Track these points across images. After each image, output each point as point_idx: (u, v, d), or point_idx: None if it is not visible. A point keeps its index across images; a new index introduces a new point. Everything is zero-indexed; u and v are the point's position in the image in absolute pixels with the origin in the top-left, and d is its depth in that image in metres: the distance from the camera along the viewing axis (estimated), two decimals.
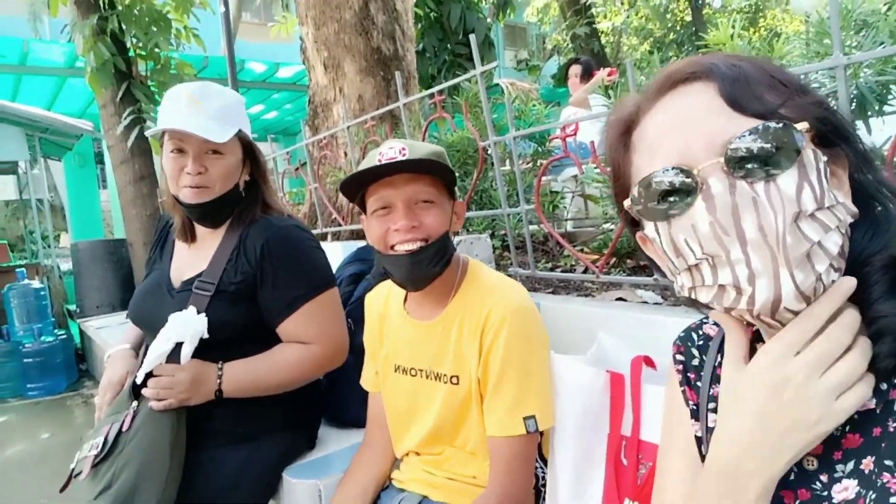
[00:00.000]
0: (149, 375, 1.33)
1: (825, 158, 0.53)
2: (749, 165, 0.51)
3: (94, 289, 5.43)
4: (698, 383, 0.72)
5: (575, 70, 4.40)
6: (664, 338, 1.33)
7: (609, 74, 3.72)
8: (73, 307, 6.04)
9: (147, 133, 1.56)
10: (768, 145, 0.50)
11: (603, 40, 11.02)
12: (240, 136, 1.43)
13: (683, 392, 0.74)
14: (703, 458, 0.70)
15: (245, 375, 1.37)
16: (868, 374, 0.51)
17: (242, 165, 1.46)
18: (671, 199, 0.55)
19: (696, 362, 0.73)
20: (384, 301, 1.34)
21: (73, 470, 1.36)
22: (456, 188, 1.23)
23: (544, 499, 1.25)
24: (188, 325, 1.32)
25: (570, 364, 1.15)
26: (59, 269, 6.60)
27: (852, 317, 0.52)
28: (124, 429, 1.34)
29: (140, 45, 4.95)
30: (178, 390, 1.30)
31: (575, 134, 1.53)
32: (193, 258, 1.47)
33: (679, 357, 0.75)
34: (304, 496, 1.42)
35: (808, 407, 0.50)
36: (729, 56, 0.58)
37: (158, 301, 1.43)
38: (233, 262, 1.40)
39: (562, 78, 4.53)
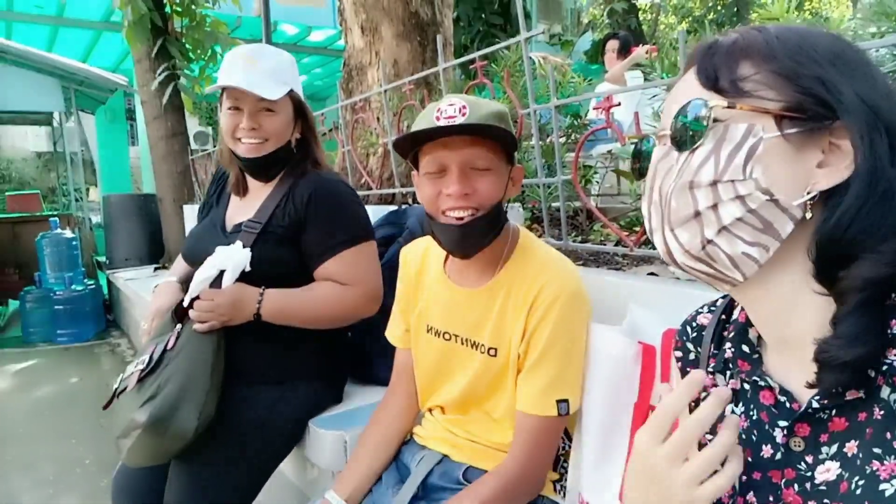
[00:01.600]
0: (193, 301, 1.41)
1: (770, 134, 0.53)
2: (682, 137, 0.57)
3: (124, 242, 5.55)
4: None
5: (612, 45, 4.31)
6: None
7: (650, 51, 3.64)
8: (102, 259, 6.18)
9: (206, 90, 1.62)
10: (688, 120, 0.56)
11: (640, 17, 10.75)
12: (291, 96, 1.50)
13: None
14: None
15: (284, 302, 1.44)
16: (735, 457, 0.54)
17: (294, 123, 1.53)
18: (641, 162, 0.66)
19: (692, 356, 0.74)
20: (421, 258, 1.32)
21: (116, 389, 1.44)
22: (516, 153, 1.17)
23: (564, 469, 1.26)
24: (232, 256, 1.40)
25: (605, 333, 1.16)
26: (90, 221, 6.74)
27: (710, 404, 0.54)
28: (169, 347, 1.42)
29: (176, 0, 4.95)
30: (219, 312, 1.39)
31: (618, 104, 1.51)
32: (246, 206, 1.55)
33: (677, 353, 0.76)
34: (330, 446, 1.47)
35: (671, 494, 0.55)
36: (739, 29, 0.59)
37: (211, 240, 1.50)
38: (281, 207, 1.48)
39: (596, 54, 4.45)
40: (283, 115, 1.49)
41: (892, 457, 0.50)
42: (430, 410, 1.34)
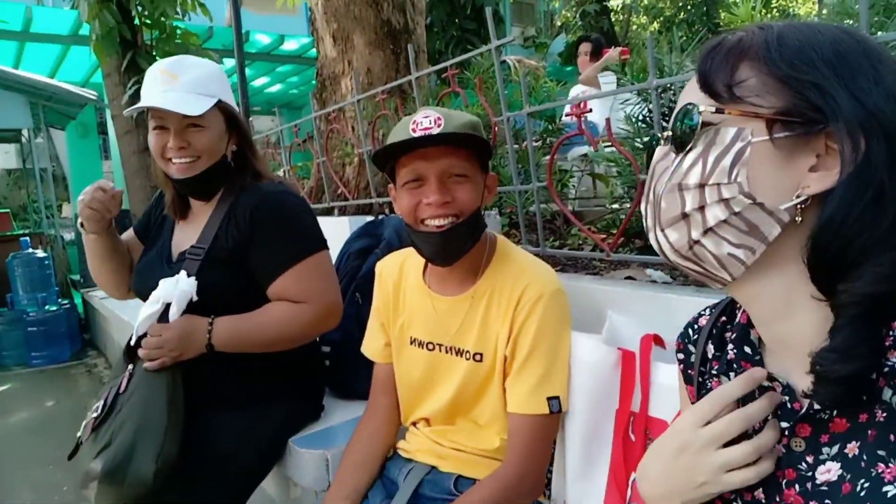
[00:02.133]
0: (141, 339, 1.35)
1: (759, 139, 0.54)
2: (679, 140, 0.59)
3: None
4: (695, 377, 0.73)
5: (585, 48, 4.35)
6: (673, 316, 1.34)
7: (622, 54, 3.68)
8: (76, 277, 6.06)
9: (125, 112, 1.57)
10: (678, 123, 0.59)
11: (612, 18, 10.87)
12: (221, 107, 1.42)
13: (686, 390, 0.76)
14: None
15: (236, 328, 1.38)
16: (770, 458, 0.58)
17: (228, 136, 1.46)
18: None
19: (692, 358, 0.75)
20: (399, 271, 1.32)
21: (79, 437, 1.39)
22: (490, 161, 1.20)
23: (549, 474, 1.26)
24: (176, 288, 1.34)
25: (585, 342, 1.16)
26: (62, 239, 6.61)
27: (761, 406, 0.58)
28: (121, 390, 1.37)
29: (145, 13, 4.88)
30: (169, 348, 1.33)
31: (589, 111, 1.52)
32: (190, 230, 1.49)
33: (679, 356, 0.77)
34: (312, 465, 1.44)
35: (696, 472, 0.60)
36: (747, 27, 0.58)
37: (157, 272, 1.44)
38: (223, 228, 1.41)
39: (569, 55, 4.48)
40: (214, 130, 1.41)
41: None
42: (413, 424, 1.33)
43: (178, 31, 5.06)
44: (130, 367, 1.40)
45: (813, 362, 0.52)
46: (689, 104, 0.58)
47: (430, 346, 1.24)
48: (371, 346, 1.39)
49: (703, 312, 0.76)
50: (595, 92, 3.37)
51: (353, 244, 1.93)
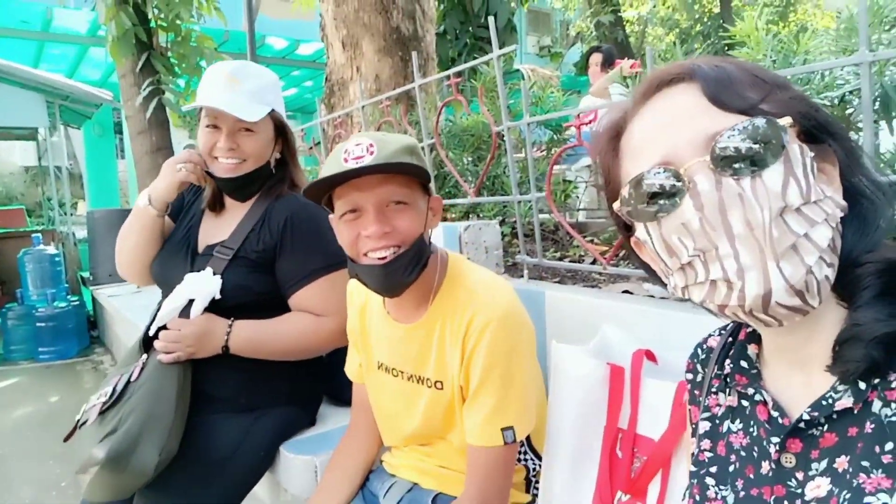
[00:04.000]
0: (160, 331, 1.37)
1: (812, 154, 0.53)
2: (734, 162, 0.52)
3: (108, 257, 5.46)
4: (700, 399, 0.72)
5: (595, 59, 4.32)
6: (669, 332, 1.32)
7: (631, 67, 3.66)
8: (86, 274, 6.12)
9: (184, 108, 1.61)
10: (752, 141, 0.51)
11: (628, 29, 10.85)
12: (273, 116, 1.47)
13: (690, 411, 0.75)
14: (690, 473, 0.70)
15: (254, 334, 1.41)
16: None
17: (274, 144, 1.51)
18: (660, 200, 0.55)
19: (699, 378, 0.73)
20: (365, 293, 1.26)
21: (78, 420, 1.40)
22: (431, 184, 1.14)
23: (536, 490, 1.24)
24: (202, 284, 1.37)
25: (570, 354, 1.14)
26: (74, 237, 6.68)
27: None
28: (133, 379, 1.38)
29: (161, 16, 4.95)
30: (186, 343, 1.35)
31: (591, 122, 1.51)
32: (220, 226, 1.52)
33: (689, 376, 0.75)
34: (300, 471, 1.44)
35: None
36: (711, 58, 0.59)
37: (181, 262, 1.47)
38: (256, 231, 1.45)
39: (584, 66, 4.46)
40: (263, 136, 1.46)
41: (879, 470, 0.49)
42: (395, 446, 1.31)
43: (194, 34, 5.13)
44: (145, 356, 1.41)
45: (849, 325, 0.52)
46: (767, 118, 0.52)
47: (396, 373, 1.21)
48: (350, 366, 1.38)
49: (712, 333, 0.75)
50: (602, 102, 3.36)
51: None
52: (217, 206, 1.55)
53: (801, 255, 0.51)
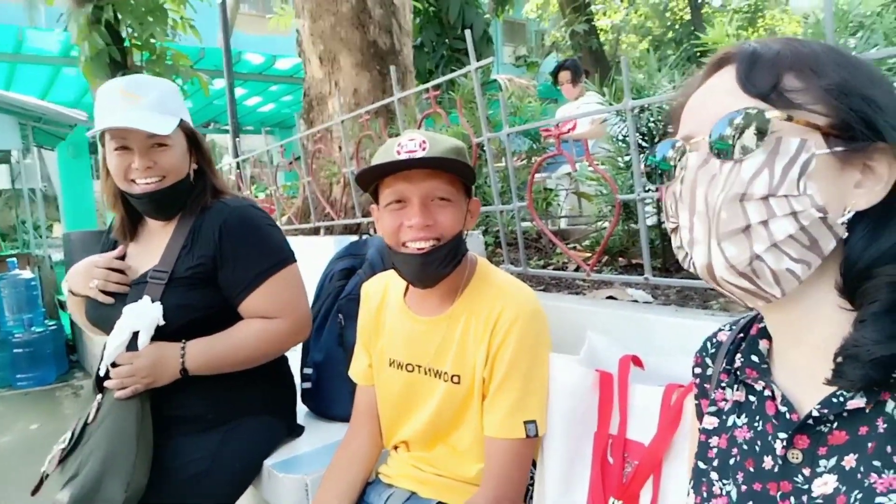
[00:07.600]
0: (110, 369, 1.33)
1: (821, 151, 0.53)
2: (726, 145, 0.55)
3: None
4: (710, 392, 0.72)
5: (564, 76, 4.33)
6: (654, 337, 1.34)
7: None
8: (63, 298, 6.00)
9: (87, 135, 1.55)
10: (739, 129, 0.54)
11: (602, 38, 11.00)
12: (182, 126, 1.41)
13: (698, 405, 0.75)
14: (694, 468, 0.70)
15: (210, 350, 1.36)
16: None
17: (189, 154, 1.45)
18: (663, 168, 0.63)
19: (709, 371, 0.74)
20: (383, 291, 1.32)
21: (43, 471, 1.35)
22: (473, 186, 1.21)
23: (531, 498, 1.24)
24: (142, 314, 1.32)
25: (562, 363, 1.15)
26: (50, 260, 6.56)
27: None
28: (89, 421, 1.34)
29: (135, 35, 4.91)
30: (141, 376, 1.31)
31: (570, 132, 1.53)
32: (147, 252, 1.46)
33: (697, 370, 0.76)
34: (291, 490, 1.41)
35: None
36: (776, 39, 0.59)
37: (115, 298, 1.41)
38: (188, 248, 1.39)
39: (554, 80, 4.49)
40: (178, 148, 1.39)
41: (892, 470, 0.49)
42: (395, 447, 1.31)
43: (169, 53, 5.09)
44: (99, 396, 1.37)
45: (847, 344, 0.52)
46: (752, 108, 0.54)
47: (409, 368, 1.23)
48: (355, 368, 1.39)
49: (722, 328, 0.75)
50: (575, 112, 3.40)
51: (336, 264, 1.92)
52: (127, 234, 1.49)
53: (750, 241, 0.54)
